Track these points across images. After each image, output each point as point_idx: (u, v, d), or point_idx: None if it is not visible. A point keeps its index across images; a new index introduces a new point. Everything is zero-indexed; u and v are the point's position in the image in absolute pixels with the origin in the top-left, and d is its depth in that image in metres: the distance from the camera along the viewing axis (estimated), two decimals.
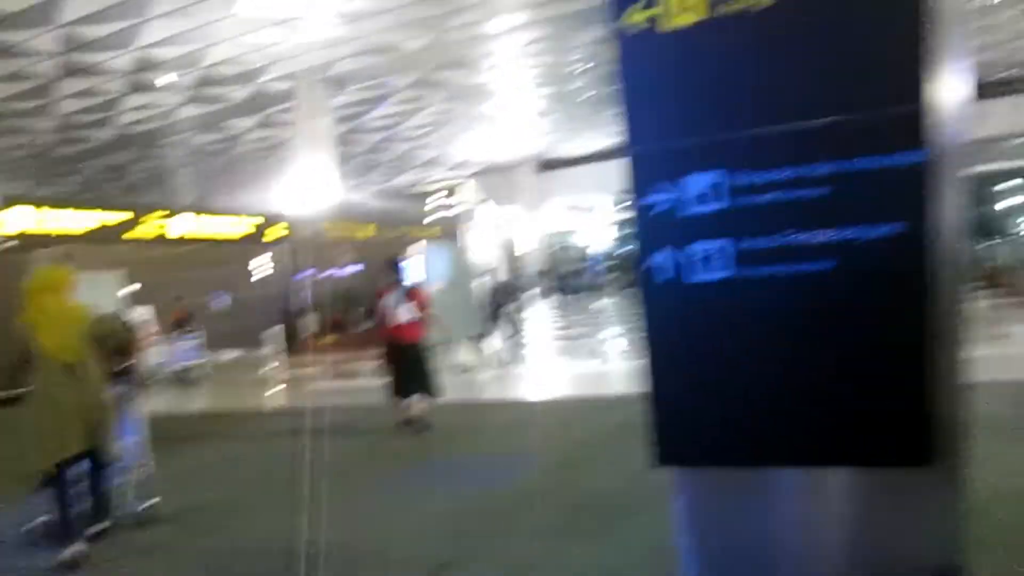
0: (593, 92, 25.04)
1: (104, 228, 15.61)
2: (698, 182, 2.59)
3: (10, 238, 13.60)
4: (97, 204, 17.77)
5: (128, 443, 5.46)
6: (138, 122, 21.77)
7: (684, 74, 2.58)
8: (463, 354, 8.45)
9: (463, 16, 17.12)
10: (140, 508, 5.45)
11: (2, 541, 5.29)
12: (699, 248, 2.60)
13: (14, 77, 17.30)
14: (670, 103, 2.61)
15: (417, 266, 13.56)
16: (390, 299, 8.11)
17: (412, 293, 8.20)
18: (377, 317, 8.33)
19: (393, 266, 8.35)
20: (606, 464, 6.00)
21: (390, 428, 8.05)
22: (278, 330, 15.78)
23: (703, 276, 2.60)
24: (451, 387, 8.94)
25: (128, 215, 16.34)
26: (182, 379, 15.05)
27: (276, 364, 15.05)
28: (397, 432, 7.96)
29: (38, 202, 15.77)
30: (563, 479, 5.78)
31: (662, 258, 2.63)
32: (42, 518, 5.11)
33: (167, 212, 17.17)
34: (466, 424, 8.31)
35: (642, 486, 4.81)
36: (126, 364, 5.55)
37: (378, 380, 8.51)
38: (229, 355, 21.13)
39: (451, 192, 36.96)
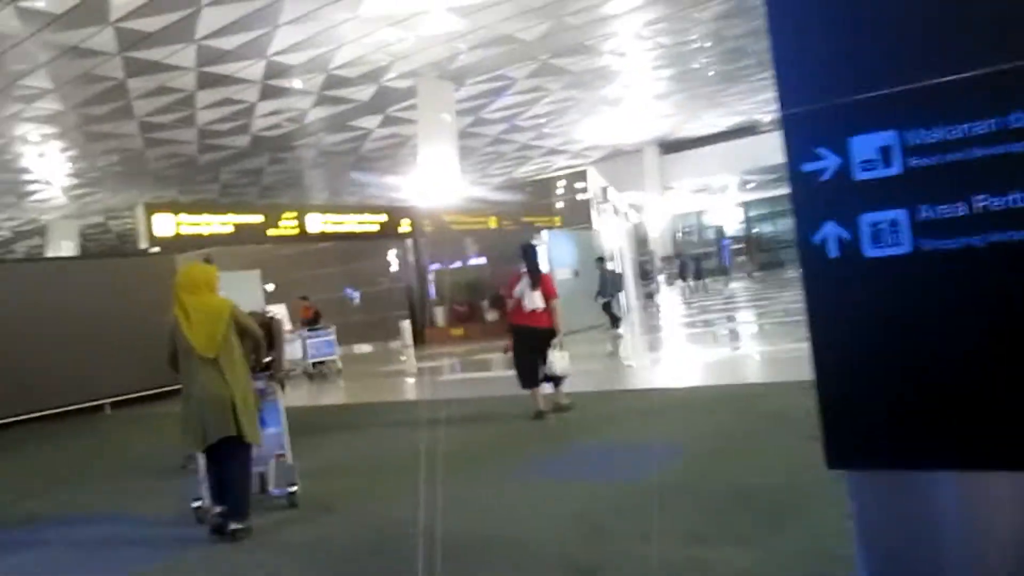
0: (715, 71, 24.22)
1: (241, 230, 16.31)
2: (866, 143, 2.26)
3: (157, 242, 14.44)
4: (234, 207, 18.67)
5: (269, 434, 5.60)
6: (271, 127, 22.73)
7: (846, 18, 2.26)
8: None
9: (580, 1, 16.85)
10: (281, 494, 5.64)
11: (160, 521, 5.55)
12: (869, 220, 2.27)
13: (158, 92, 18.41)
14: (829, 54, 2.29)
15: (543, 254, 13.43)
16: (520, 286, 8.01)
17: (541, 280, 8.07)
18: (508, 305, 8.25)
19: (526, 252, 8.23)
20: (758, 456, 5.56)
21: (523, 417, 7.95)
22: (407, 323, 16.07)
23: (875, 252, 2.26)
24: (579, 377, 8.74)
25: (262, 217, 17.03)
26: (316, 373, 15.59)
27: (406, 356, 15.32)
28: (530, 421, 7.85)
29: (181, 208, 16.68)
30: (711, 472, 5.38)
31: (825, 234, 2.32)
32: (196, 503, 5.37)
33: (299, 212, 17.79)
34: (602, 412, 8.05)
35: (801, 482, 4.46)
36: (267, 359, 5.69)
37: (507, 370, 8.41)
38: (361, 348, 21.80)
39: (575, 180, 36.72)
